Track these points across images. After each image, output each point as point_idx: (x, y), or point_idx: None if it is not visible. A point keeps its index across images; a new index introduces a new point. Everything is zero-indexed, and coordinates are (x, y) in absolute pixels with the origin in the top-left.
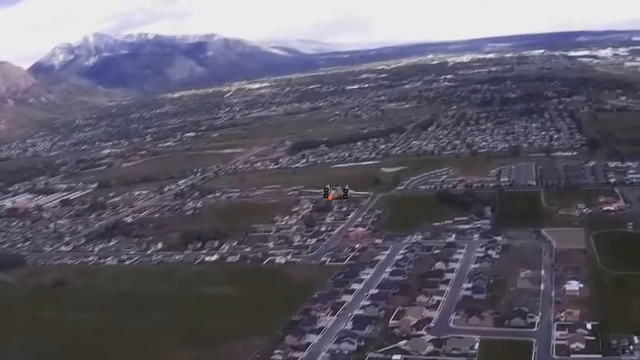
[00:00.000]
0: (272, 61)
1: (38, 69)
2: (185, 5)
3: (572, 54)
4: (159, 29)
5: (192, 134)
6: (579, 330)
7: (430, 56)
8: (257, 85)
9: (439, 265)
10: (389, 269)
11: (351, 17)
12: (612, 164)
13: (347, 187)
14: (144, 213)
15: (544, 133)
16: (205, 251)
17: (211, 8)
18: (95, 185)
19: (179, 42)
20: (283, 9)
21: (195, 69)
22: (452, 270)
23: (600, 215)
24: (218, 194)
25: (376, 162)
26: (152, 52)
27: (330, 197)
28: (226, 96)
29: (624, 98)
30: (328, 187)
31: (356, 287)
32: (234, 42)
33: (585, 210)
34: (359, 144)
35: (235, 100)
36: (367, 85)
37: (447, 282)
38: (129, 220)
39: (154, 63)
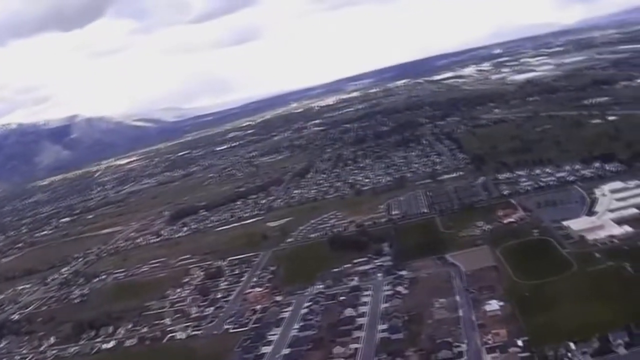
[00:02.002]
0: (137, 134)
1: None
2: (44, 90)
3: (435, 77)
4: (20, 117)
5: (67, 219)
6: (511, 349)
7: (294, 104)
8: (125, 160)
9: (348, 311)
10: (296, 325)
11: (208, 78)
12: (502, 176)
13: None
14: (30, 307)
15: (425, 159)
16: (100, 339)
17: (69, 89)
18: None
19: (41, 128)
20: (139, 81)
21: (61, 152)
22: (362, 315)
23: (502, 229)
24: (103, 277)
25: (260, 217)
26: (16, 141)
27: None
28: (96, 175)
29: (497, 110)
30: None
31: (266, 350)
32: (96, 120)
33: (485, 227)
34: (239, 202)
35: (106, 179)
36: (236, 143)
37: (360, 327)
38: (16, 317)
39: (19, 152)
